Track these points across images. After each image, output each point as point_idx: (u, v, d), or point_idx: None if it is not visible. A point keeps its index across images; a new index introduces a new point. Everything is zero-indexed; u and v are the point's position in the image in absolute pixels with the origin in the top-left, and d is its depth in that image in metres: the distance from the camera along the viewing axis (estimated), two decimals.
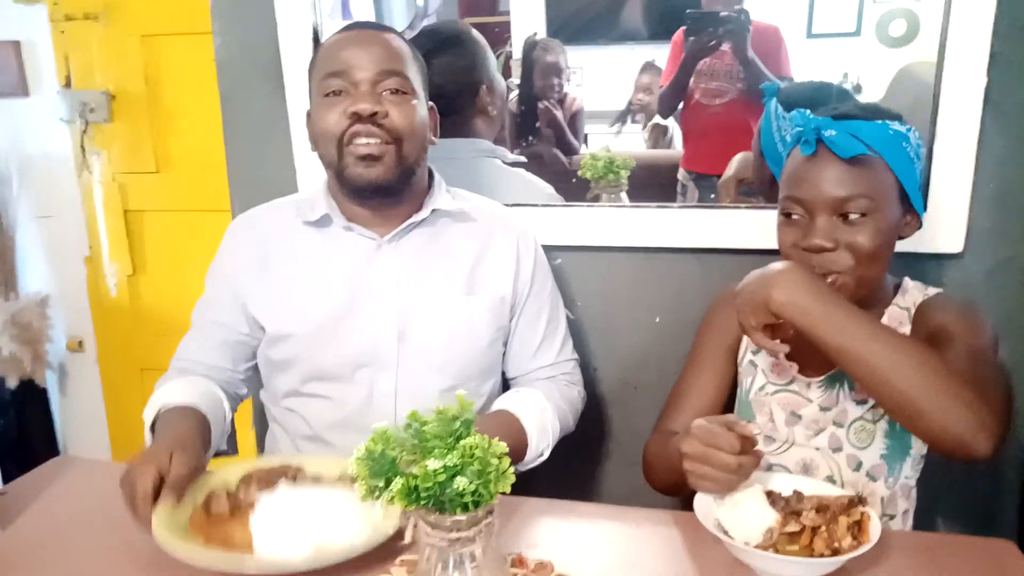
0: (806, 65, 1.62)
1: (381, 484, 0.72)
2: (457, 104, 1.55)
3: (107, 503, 1.10)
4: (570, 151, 1.74)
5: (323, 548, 0.89)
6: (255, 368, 1.30)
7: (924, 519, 1.17)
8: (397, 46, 1.18)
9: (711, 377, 1.22)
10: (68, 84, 2.20)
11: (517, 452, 1.15)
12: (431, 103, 1.24)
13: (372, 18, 1.56)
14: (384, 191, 1.17)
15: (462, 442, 0.73)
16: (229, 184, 1.59)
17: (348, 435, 1.21)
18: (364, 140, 1.13)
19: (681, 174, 1.78)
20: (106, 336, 2.39)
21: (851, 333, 0.94)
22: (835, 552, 0.88)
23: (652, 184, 1.66)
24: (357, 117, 1.12)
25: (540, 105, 1.74)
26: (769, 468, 1.13)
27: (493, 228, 1.27)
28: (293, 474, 1.04)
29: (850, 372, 0.96)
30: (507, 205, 1.37)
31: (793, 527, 0.91)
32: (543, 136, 1.75)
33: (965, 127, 1.28)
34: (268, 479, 1.02)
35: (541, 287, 1.31)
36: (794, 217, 1.05)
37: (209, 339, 1.25)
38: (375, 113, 1.12)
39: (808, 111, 1.06)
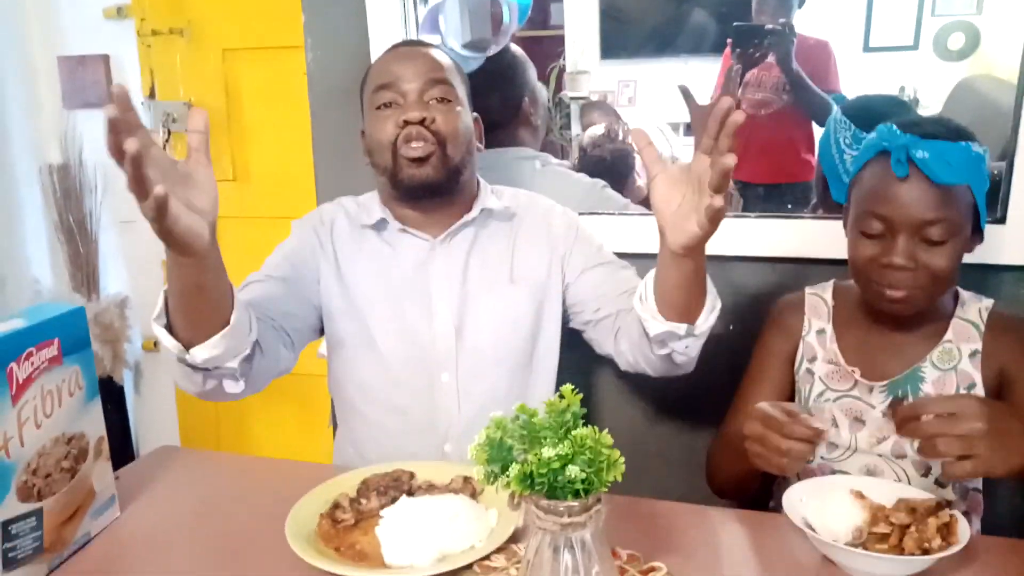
0: (863, 78, 1.64)
1: (498, 470, 0.76)
2: (502, 117, 1.62)
3: (214, 491, 1.18)
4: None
5: (447, 554, 0.94)
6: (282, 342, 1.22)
7: (991, 528, 1.18)
8: (441, 59, 1.27)
9: (769, 387, 1.24)
10: (152, 95, 2.30)
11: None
12: (475, 114, 1.32)
13: (459, 34, 1.62)
14: (433, 190, 1.24)
15: (573, 433, 0.77)
16: (317, 196, 1.66)
17: (417, 434, 1.27)
18: (414, 144, 1.21)
19: (731, 184, 1.81)
20: None
21: None
22: (925, 552, 0.90)
23: None
24: (407, 124, 1.21)
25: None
26: (832, 474, 1.14)
27: (527, 216, 1.33)
28: (407, 480, 1.09)
29: None
30: (581, 213, 1.40)
31: (883, 528, 0.93)
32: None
33: None
34: (384, 486, 1.06)
35: (582, 243, 1.32)
36: (875, 232, 1.07)
37: (259, 289, 1.23)
38: (423, 119, 1.21)
39: (892, 124, 1.07)
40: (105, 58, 2.32)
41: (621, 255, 1.51)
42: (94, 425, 1.03)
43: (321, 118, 1.64)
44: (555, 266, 1.31)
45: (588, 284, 1.30)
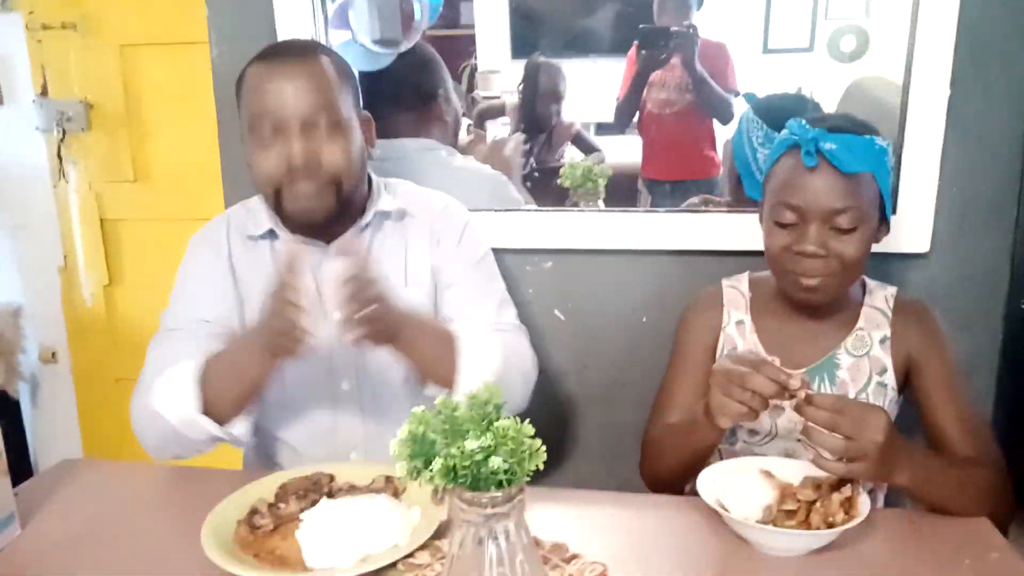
0: (762, 79, 1.71)
1: (421, 465, 0.76)
2: (414, 110, 1.63)
3: (123, 503, 1.13)
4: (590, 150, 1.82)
5: (370, 554, 0.93)
6: None
7: (895, 502, 1.25)
8: (325, 75, 1.16)
9: (693, 376, 1.27)
10: (44, 93, 2.18)
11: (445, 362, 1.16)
12: (366, 112, 1.26)
13: (368, 31, 1.60)
14: (325, 220, 1.20)
15: (495, 424, 0.77)
16: (225, 195, 1.61)
17: (321, 442, 1.27)
18: (303, 188, 1.15)
19: (640, 182, 1.87)
20: (80, 347, 2.36)
21: (939, 490, 1.03)
22: (830, 526, 0.95)
23: (616, 191, 1.74)
24: (292, 165, 1.14)
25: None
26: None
27: (421, 215, 1.30)
28: (327, 483, 1.07)
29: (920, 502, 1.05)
30: (478, 210, 1.40)
31: (790, 504, 0.98)
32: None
33: (930, 136, 1.38)
34: (304, 490, 1.05)
35: (461, 252, 1.31)
36: (787, 222, 1.11)
37: (195, 337, 1.22)
38: (309, 161, 1.14)
39: (802, 120, 1.11)
40: None
41: (521, 251, 1.54)
42: None
43: (228, 115, 1.59)
44: (436, 264, 1.30)
45: (447, 301, 1.30)
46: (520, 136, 1.84)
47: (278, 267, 1.08)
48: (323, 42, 1.53)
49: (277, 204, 1.18)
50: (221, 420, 1.12)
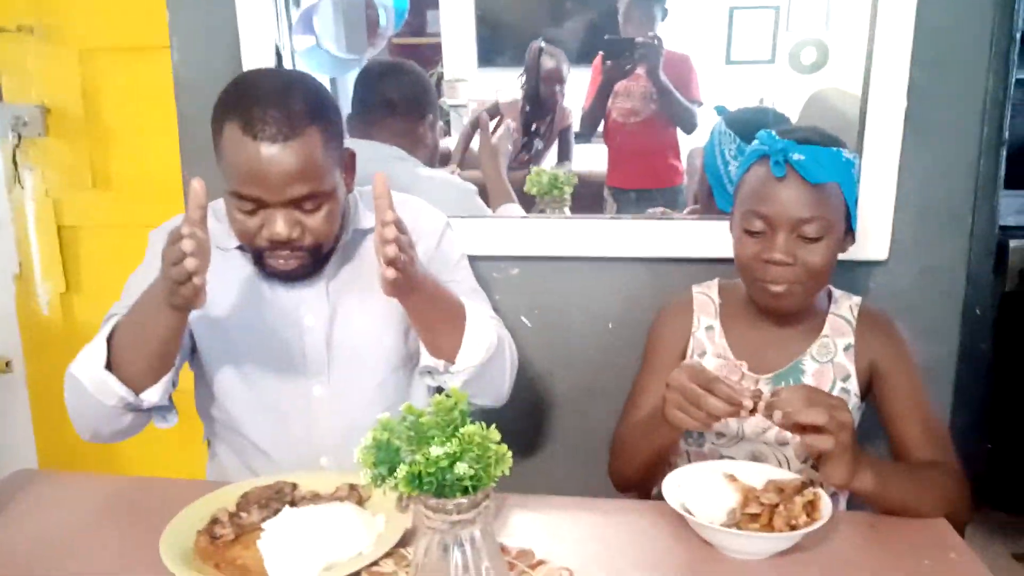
0: (725, 90, 1.73)
1: (386, 472, 0.76)
2: (396, 122, 1.65)
3: (80, 515, 1.11)
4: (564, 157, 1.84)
5: (333, 563, 0.92)
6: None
7: (856, 506, 1.27)
8: (315, 153, 1.08)
9: (663, 377, 1.27)
10: None
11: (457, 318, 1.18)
12: (349, 148, 1.21)
13: (334, 37, 1.59)
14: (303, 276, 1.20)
15: (461, 430, 0.77)
16: (185, 202, 1.58)
17: (291, 447, 1.25)
18: (282, 257, 1.14)
19: (605, 190, 1.88)
20: (36, 356, 2.31)
21: (901, 492, 1.05)
22: (793, 528, 0.96)
23: (582, 199, 1.75)
24: (275, 239, 1.11)
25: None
26: (720, 459, 1.20)
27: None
28: (290, 491, 1.06)
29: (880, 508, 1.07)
30: (460, 217, 1.40)
31: (754, 508, 0.99)
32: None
33: (888, 145, 1.40)
34: (266, 499, 1.03)
35: (440, 254, 1.30)
36: (756, 231, 1.14)
37: None
38: (291, 239, 1.11)
39: (772, 132, 1.14)
40: None
41: (487, 258, 1.53)
42: None
43: (190, 121, 1.57)
44: None
45: None
46: (510, 123, 1.84)
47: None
48: (281, 49, 1.50)
49: (257, 259, 1.17)
50: (136, 386, 1.10)
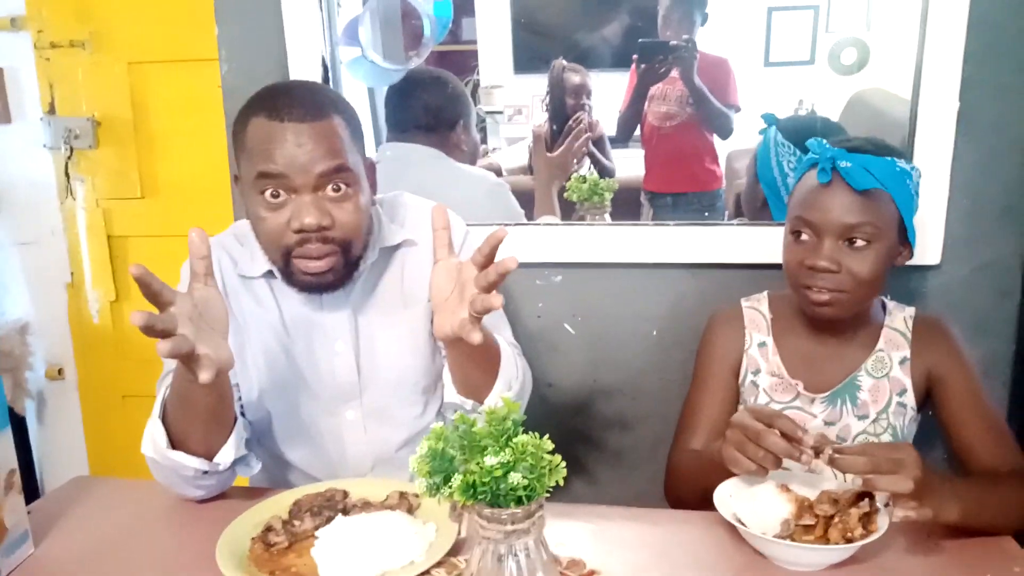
0: (764, 92, 1.72)
1: (440, 481, 0.76)
2: (432, 128, 1.67)
3: (136, 521, 1.13)
4: (605, 172, 1.82)
5: (386, 571, 0.93)
6: None
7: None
8: (338, 137, 1.10)
9: (719, 395, 1.27)
10: (52, 111, 2.19)
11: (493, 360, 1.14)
12: (371, 158, 1.21)
13: (378, 47, 1.61)
14: (333, 285, 1.16)
15: (514, 440, 0.77)
16: (234, 212, 1.61)
17: (327, 471, 1.25)
18: (314, 255, 1.11)
19: (642, 195, 1.88)
20: (88, 363, 2.36)
21: (988, 515, 1.01)
22: (849, 541, 0.94)
23: (619, 204, 1.75)
24: (302, 230, 1.09)
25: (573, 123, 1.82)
26: None
27: (421, 240, 1.25)
28: (342, 499, 1.07)
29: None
30: (485, 224, 1.39)
31: (808, 519, 0.97)
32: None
33: (940, 147, 1.38)
34: (318, 506, 1.04)
35: None
36: (803, 237, 1.13)
37: None
38: (320, 227, 1.09)
39: (823, 140, 1.13)
40: None
41: (530, 265, 1.53)
42: (4, 457, 0.97)
43: None
44: None
45: None
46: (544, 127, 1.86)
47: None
48: (327, 60, 1.52)
49: (285, 266, 1.14)
50: (205, 452, 1.08)
